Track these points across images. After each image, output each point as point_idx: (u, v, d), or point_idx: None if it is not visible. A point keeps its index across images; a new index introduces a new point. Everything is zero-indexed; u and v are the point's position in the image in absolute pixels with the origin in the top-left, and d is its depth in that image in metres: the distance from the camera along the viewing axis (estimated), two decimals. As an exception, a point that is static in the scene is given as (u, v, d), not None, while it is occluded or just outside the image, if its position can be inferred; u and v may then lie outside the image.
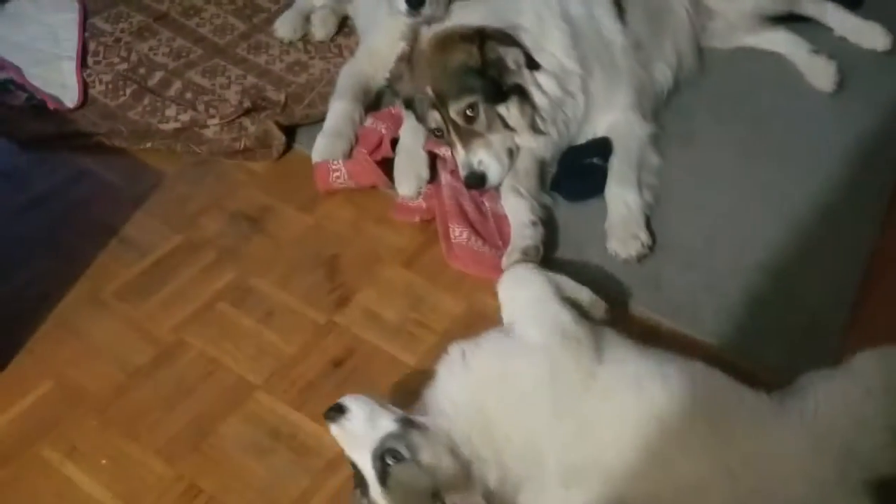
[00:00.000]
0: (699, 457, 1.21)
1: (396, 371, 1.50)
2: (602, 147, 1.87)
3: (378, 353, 1.54)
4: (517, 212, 1.72)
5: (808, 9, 2.31)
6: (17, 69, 2.06)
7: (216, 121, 1.93)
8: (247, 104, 1.96)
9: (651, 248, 1.70)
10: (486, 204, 1.79)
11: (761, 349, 1.52)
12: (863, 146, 1.97)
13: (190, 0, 2.36)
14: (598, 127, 1.91)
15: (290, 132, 1.95)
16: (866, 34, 2.25)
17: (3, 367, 1.46)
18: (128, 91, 2.03)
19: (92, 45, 2.17)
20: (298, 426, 1.41)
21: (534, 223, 1.68)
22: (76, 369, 1.48)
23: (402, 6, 1.76)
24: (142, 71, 2.10)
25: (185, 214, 1.77)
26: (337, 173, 1.82)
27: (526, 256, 1.60)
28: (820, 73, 2.13)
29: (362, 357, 1.53)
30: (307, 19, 2.23)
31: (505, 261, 1.62)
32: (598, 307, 1.53)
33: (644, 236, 1.70)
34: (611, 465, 1.24)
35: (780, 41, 2.23)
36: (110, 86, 2.05)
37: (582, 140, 1.91)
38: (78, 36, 2.19)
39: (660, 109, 2.04)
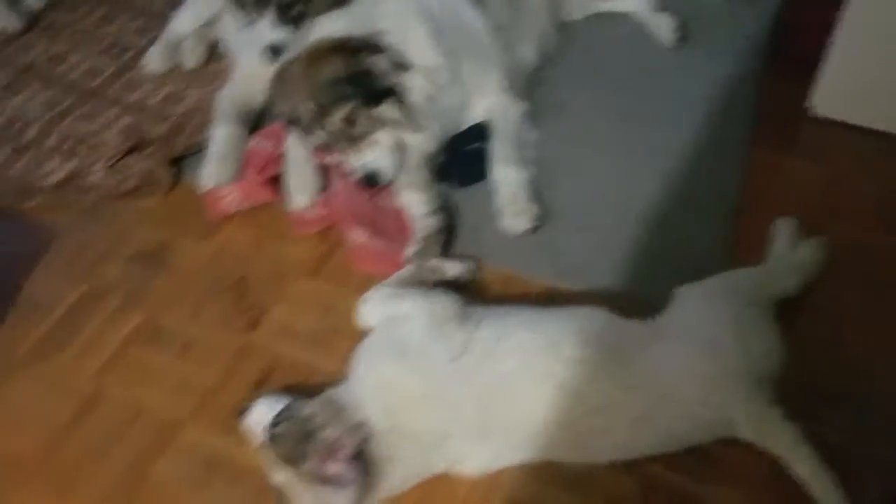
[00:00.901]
0: (602, 382, 1.34)
1: (317, 378, 1.54)
2: (482, 131, 1.95)
3: (298, 365, 1.58)
4: (414, 204, 1.79)
5: (652, -31, 2.43)
6: None
7: (100, 165, 1.92)
8: (128, 144, 1.96)
9: (542, 219, 1.79)
10: (383, 202, 1.84)
11: (652, 291, 1.62)
12: (717, 92, 2.12)
13: (54, 48, 2.32)
14: (476, 112, 1.99)
15: (176, 164, 1.95)
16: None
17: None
18: (7, 150, 2.00)
19: (-42, 110, 2.12)
20: (232, 452, 1.44)
21: (431, 213, 1.76)
22: (3, 437, 1.47)
23: (267, 57, 1.86)
24: (17, 126, 2.07)
25: (84, 264, 1.76)
26: (229, 197, 1.84)
27: (429, 244, 1.68)
28: (663, 28, 2.26)
29: (283, 372, 1.57)
30: (177, 49, 2.22)
31: (408, 252, 1.69)
32: (469, 269, 1.66)
33: (534, 209, 1.79)
34: (519, 413, 1.35)
35: (628, 2, 2.35)
36: (-16, 147, 2.01)
37: (463, 127, 1.99)
38: (-59, 103, 2.13)
39: (530, 86, 2.13)
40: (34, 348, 1.61)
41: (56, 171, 1.93)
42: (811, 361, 1.49)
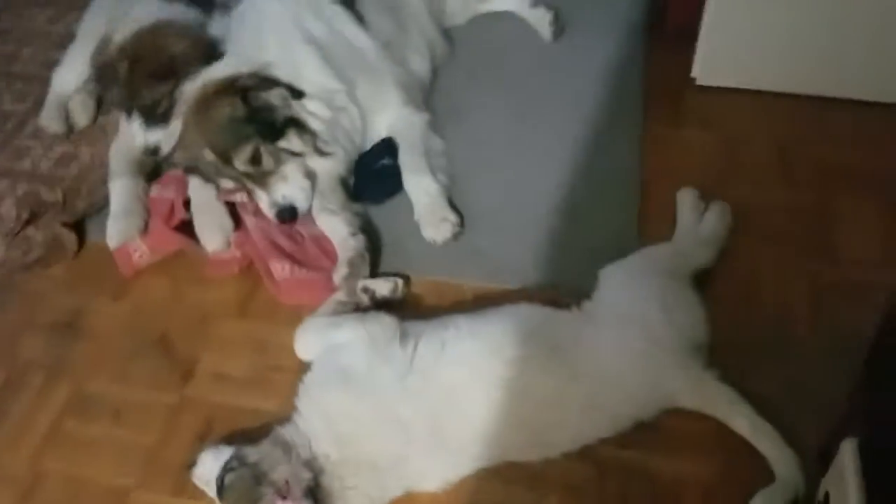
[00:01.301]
0: (547, 377, 1.37)
1: (262, 420, 1.51)
2: (389, 147, 1.96)
3: (239, 411, 1.55)
4: (334, 228, 1.79)
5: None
6: None
7: (0, 241, 1.84)
8: (26, 215, 1.88)
9: (462, 225, 1.81)
10: (301, 231, 1.83)
11: (578, 278, 1.66)
12: (604, 75, 2.20)
13: (-72, 126, 2.21)
14: (380, 129, 2.00)
15: (79, 227, 1.89)
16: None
17: None
18: None
19: None
20: (185, 510, 1.41)
21: (353, 234, 1.76)
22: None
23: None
24: None
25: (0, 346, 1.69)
26: (138, 252, 1.80)
27: (354, 267, 1.68)
28: (540, 23, 2.32)
29: (225, 421, 1.54)
30: (66, 109, 2.15)
31: (335, 277, 1.69)
32: (399, 285, 1.67)
33: (452, 216, 1.81)
34: (472, 422, 1.36)
35: (506, 1, 2.40)
36: None
37: (369, 146, 1.99)
38: None
39: (427, 96, 2.16)
40: (-39, 443, 1.53)
41: (-49, 253, 1.83)
42: (731, 320, 1.55)
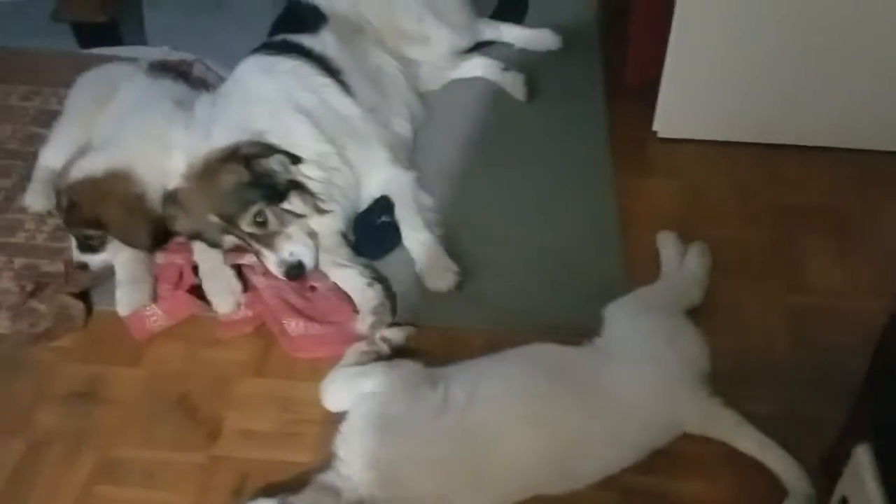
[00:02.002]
0: (573, 412, 1.46)
1: (296, 472, 1.56)
2: (385, 205, 2.06)
3: (270, 465, 1.59)
4: (350, 280, 1.88)
5: (488, 34, 2.69)
6: None
7: (4, 315, 1.85)
8: (29, 287, 1.90)
9: (463, 274, 1.92)
10: (308, 288, 1.90)
11: (576, 319, 1.79)
12: (573, 133, 2.36)
13: None
14: (373, 188, 2.11)
15: (84, 297, 1.91)
16: (540, 40, 2.68)
17: None
18: None
19: None
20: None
21: (369, 284, 1.85)
22: None
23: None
24: None
25: (15, 417, 1.69)
26: (154, 317, 1.83)
27: (379, 315, 1.77)
28: (513, 85, 2.50)
29: (257, 476, 1.58)
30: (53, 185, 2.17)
31: (362, 326, 1.77)
32: (401, 334, 1.76)
33: (453, 266, 1.92)
34: (506, 459, 1.44)
35: (478, 67, 2.58)
36: None
37: (364, 203, 2.10)
38: None
39: (411, 156, 2.28)
40: (-12, 517, 1.52)
41: (-46, 329, 1.83)
42: (719, 350, 1.66)
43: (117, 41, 2.86)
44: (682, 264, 1.84)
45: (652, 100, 2.28)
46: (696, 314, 1.76)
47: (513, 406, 1.46)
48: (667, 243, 1.90)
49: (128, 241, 1.90)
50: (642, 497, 1.51)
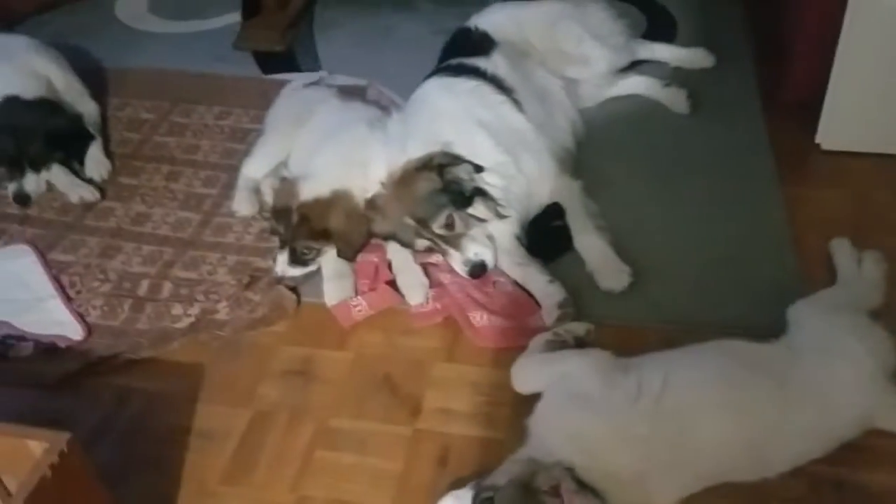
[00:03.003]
0: (771, 402, 1.54)
1: (493, 448, 1.71)
2: (558, 210, 2.22)
3: (470, 440, 1.76)
4: (531, 277, 2.03)
5: (642, 53, 2.81)
6: (7, 324, 2.12)
7: (224, 304, 2.10)
8: (246, 279, 2.14)
9: (634, 275, 2.04)
10: (490, 284, 2.07)
11: (749, 321, 1.88)
12: (734, 146, 2.45)
13: (133, 210, 2.51)
14: (544, 196, 2.26)
15: (293, 289, 2.15)
16: (695, 58, 2.78)
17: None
18: (125, 307, 2.15)
19: (65, 279, 2.25)
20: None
21: (551, 281, 1.99)
22: (228, 558, 1.59)
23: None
24: (127, 285, 2.22)
25: (241, 392, 1.91)
26: (358, 307, 2.04)
27: (564, 309, 1.91)
28: (676, 100, 2.62)
29: (459, 449, 1.74)
30: (256, 193, 2.44)
31: (548, 320, 1.92)
32: (582, 328, 1.87)
33: (625, 267, 2.04)
34: (703, 444, 1.53)
35: (637, 84, 2.71)
36: (105, 308, 2.15)
37: (535, 210, 2.25)
38: (47, 275, 2.27)
39: (575, 167, 2.43)
40: (225, 476, 1.73)
41: (183, 316, 2.09)
42: None
43: (295, 68, 3.15)
44: (858, 269, 1.90)
45: (810, 113, 2.35)
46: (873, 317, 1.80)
47: (710, 393, 1.56)
48: (841, 249, 1.97)
49: (348, 246, 2.12)
50: (830, 486, 1.58)
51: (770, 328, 1.76)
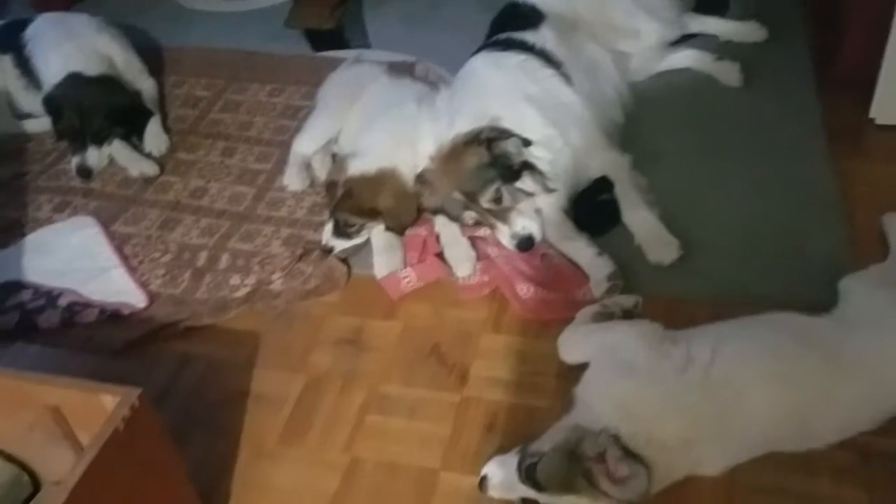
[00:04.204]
0: (821, 374, 1.55)
1: (538, 415, 1.74)
2: (606, 184, 2.23)
3: (516, 407, 1.80)
4: (580, 250, 2.05)
5: (693, 26, 2.79)
6: (74, 291, 2.22)
7: (279, 275, 2.17)
8: (298, 251, 2.21)
9: (683, 248, 2.04)
10: (540, 256, 2.09)
11: (803, 290, 1.88)
12: (786, 115, 2.43)
13: (192, 184, 2.59)
14: (592, 169, 2.27)
15: (344, 262, 2.21)
16: (747, 32, 2.75)
17: (219, 536, 1.62)
18: (185, 276, 2.24)
19: (127, 249, 2.35)
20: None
21: (599, 254, 2.01)
22: (285, 513, 1.66)
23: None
24: (186, 256, 2.31)
25: (295, 358, 1.98)
26: (407, 279, 2.09)
27: (612, 282, 1.93)
28: (728, 73, 2.59)
29: (505, 415, 1.79)
30: (308, 168, 2.50)
31: (596, 292, 1.94)
32: (631, 300, 1.89)
33: (674, 240, 2.05)
34: (751, 414, 1.54)
35: (688, 58, 2.69)
36: (166, 277, 2.24)
37: (583, 184, 2.27)
38: (110, 245, 2.36)
39: (625, 140, 2.43)
40: (281, 437, 1.81)
41: (240, 286, 2.16)
42: None
43: (345, 45, 3.20)
44: (912, 245, 1.88)
45: (864, 87, 2.32)
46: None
47: (760, 364, 1.56)
48: (894, 224, 1.94)
49: (397, 224, 2.18)
50: (880, 458, 1.59)
51: (821, 302, 1.76)
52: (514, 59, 2.31)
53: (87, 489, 1.19)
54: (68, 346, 2.09)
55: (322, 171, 2.50)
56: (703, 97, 2.58)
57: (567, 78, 2.35)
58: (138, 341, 2.08)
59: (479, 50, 2.44)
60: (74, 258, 2.35)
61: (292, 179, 2.49)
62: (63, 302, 2.19)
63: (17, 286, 2.24)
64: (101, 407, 1.28)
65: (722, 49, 2.70)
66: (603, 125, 2.36)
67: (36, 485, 1.49)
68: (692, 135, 2.44)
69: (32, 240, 2.44)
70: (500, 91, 2.23)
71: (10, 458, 1.47)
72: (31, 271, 2.30)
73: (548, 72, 2.32)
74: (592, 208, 2.21)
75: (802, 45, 2.70)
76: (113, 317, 2.15)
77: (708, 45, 2.72)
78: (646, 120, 2.53)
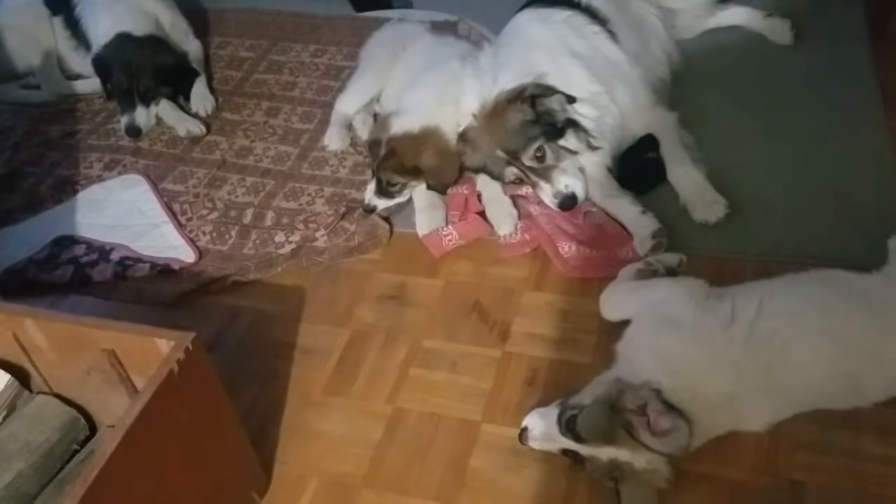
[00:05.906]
0: (869, 330, 1.52)
1: (579, 371, 1.75)
2: (652, 142, 2.20)
3: (557, 363, 1.81)
4: (624, 208, 2.04)
5: (743, -17, 2.72)
6: (125, 247, 2.28)
7: (322, 232, 2.20)
8: (342, 209, 2.23)
9: (730, 207, 2.01)
10: (583, 214, 2.09)
11: (853, 248, 1.85)
12: (839, 73, 2.39)
13: (237, 143, 2.63)
14: (638, 127, 2.25)
15: (386, 220, 2.23)
16: (798, -11, 2.68)
17: (268, 483, 1.67)
18: (232, 233, 2.28)
19: (176, 207, 2.40)
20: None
21: (643, 212, 2.00)
22: (329, 462, 1.69)
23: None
24: (233, 213, 2.35)
25: (340, 313, 2.01)
26: (449, 237, 2.10)
27: (656, 239, 1.91)
28: (779, 31, 2.54)
29: (546, 371, 1.80)
30: (349, 128, 2.51)
31: (640, 250, 1.93)
32: (675, 258, 1.87)
33: (721, 199, 2.02)
34: (797, 369, 1.53)
35: (738, 15, 2.63)
36: (214, 234, 2.29)
37: (629, 141, 2.24)
38: (159, 202, 2.42)
39: (672, 98, 2.40)
40: (327, 388, 1.85)
41: (285, 243, 2.20)
42: None
43: (387, 5, 3.19)
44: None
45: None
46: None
47: (807, 320, 1.54)
48: (947, 181, 1.89)
49: (440, 182, 2.18)
50: (925, 416, 1.57)
51: (870, 260, 1.73)
52: (559, 15, 2.29)
53: (142, 431, 1.22)
54: (121, 298, 2.15)
55: (363, 131, 2.51)
56: (753, 55, 2.54)
57: (613, 35, 2.32)
58: (188, 294, 2.13)
59: (524, 6, 2.41)
60: (125, 215, 2.41)
61: (333, 139, 2.51)
62: (115, 256, 2.25)
63: (71, 241, 2.30)
64: (156, 351, 1.32)
65: (772, 6, 2.63)
66: (650, 82, 2.34)
67: (92, 427, 1.55)
68: (742, 93, 2.40)
69: (84, 197, 2.50)
70: (546, 47, 2.21)
71: (67, 401, 1.53)
72: (83, 227, 2.36)
73: (594, 28, 2.29)
74: (637, 167, 2.19)
75: (856, 2, 2.63)
76: (163, 271, 2.20)
77: (758, 2, 2.66)
78: (695, 78, 2.49)
